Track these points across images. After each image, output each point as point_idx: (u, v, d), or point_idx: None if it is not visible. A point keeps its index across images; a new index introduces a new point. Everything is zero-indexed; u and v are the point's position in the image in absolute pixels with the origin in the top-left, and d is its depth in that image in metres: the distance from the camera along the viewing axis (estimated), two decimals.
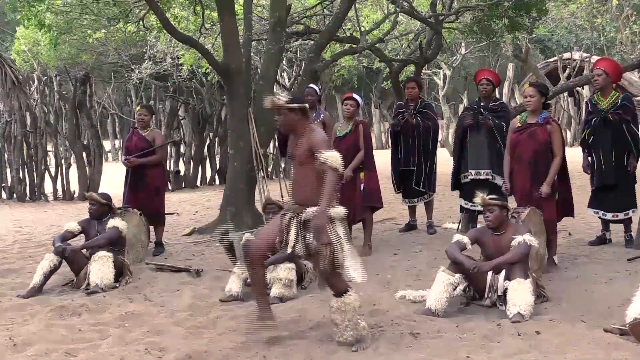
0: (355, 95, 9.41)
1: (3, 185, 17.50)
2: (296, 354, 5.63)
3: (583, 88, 25.36)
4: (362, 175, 9.14)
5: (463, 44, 25.18)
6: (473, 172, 9.47)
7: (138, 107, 10.15)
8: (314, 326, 6.38)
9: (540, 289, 6.85)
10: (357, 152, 9.12)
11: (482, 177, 9.38)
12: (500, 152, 9.08)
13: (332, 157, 5.51)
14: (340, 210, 5.65)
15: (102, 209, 8.48)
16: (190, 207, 15.03)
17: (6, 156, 17.29)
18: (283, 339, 5.84)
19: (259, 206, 10.32)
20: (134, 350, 5.69)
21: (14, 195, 17.19)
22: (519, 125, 7.97)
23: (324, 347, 5.76)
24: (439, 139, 11.11)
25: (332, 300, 5.72)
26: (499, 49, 25.59)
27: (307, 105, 5.90)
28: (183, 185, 19.14)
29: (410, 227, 10.55)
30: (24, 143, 17.02)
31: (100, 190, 12.79)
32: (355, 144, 9.14)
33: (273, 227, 5.92)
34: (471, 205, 9.44)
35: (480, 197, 6.93)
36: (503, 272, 6.59)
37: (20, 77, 17.24)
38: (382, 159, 14.65)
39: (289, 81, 21.67)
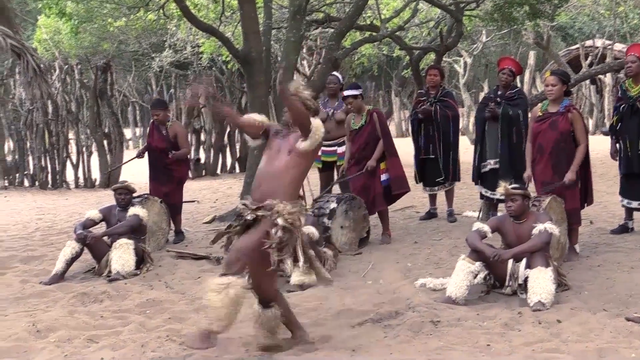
0: (349, 92, 9.21)
1: (25, 172, 17.64)
2: (316, 341, 5.65)
3: (605, 76, 25.15)
4: (382, 165, 9.09)
5: (484, 32, 25.03)
6: (492, 161, 9.42)
7: (156, 102, 10.07)
8: (334, 314, 6.40)
9: (561, 277, 6.82)
10: (376, 142, 9.07)
11: (496, 166, 9.34)
12: (519, 141, 9.06)
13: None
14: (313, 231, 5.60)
15: (130, 197, 8.54)
16: (211, 194, 15.07)
17: (28, 144, 17.42)
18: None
19: None
20: (155, 337, 5.73)
21: (36, 183, 17.32)
22: (540, 114, 7.91)
23: (344, 334, 5.77)
24: (460, 127, 11.06)
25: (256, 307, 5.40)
26: (520, 36, 25.42)
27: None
28: (203, 173, 19.18)
29: (431, 215, 10.52)
30: (46, 131, 17.12)
31: (121, 179, 12.87)
32: (372, 134, 9.07)
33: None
34: (491, 194, 9.41)
35: (503, 186, 6.90)
36: (524, 261, 6.57)
37: (42, 65, 17.31)
38: (402, 147, 14.61)
39: (309, 69, 21.63)
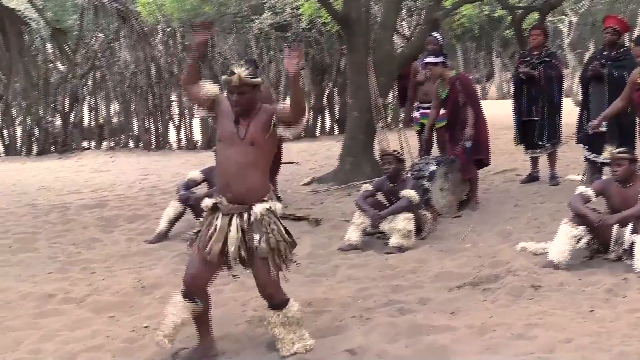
0: (428, 59, 9.05)
1: (130, 134, 18.11)
2: (414, 303, 5.65)
3: None
4: (467, 130, 8.89)
5: None
6: None
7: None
8: (432, 276, 6.39)
9: None
10: (463, 110, 8.89)
11: (603, 129, 9.06)
12: None
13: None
14: (279, 206, 4.86)
15: None
16: (310, 156, 15.15)
17: (133, 106, 17.86)
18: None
19: (378, 156, 10.31)
20: (255, 296, 5.81)
21: (140, 144, 17.76)
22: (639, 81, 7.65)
23: (443, 297, 5.76)
24: (564, 88, 10.77)
25: (270, 314, 4.87)
26: None
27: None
28: (302, 135, 19.27)
29: (532, 178, 10.32)
30: (149, 93, 17.50)
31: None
32: (458, 103, 8.89)
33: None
34: (594, 157, 9.17)
35: (608, 150, 6.72)
36: (630, 225, 6.38)
37: (146, 29, 17.63)
38: (504, 109, 14.35)
39: (408, 30, 21.40)
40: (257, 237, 4.69)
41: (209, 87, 4.90)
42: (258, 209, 4.71)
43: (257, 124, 4.73)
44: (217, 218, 4.78)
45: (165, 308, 4.88)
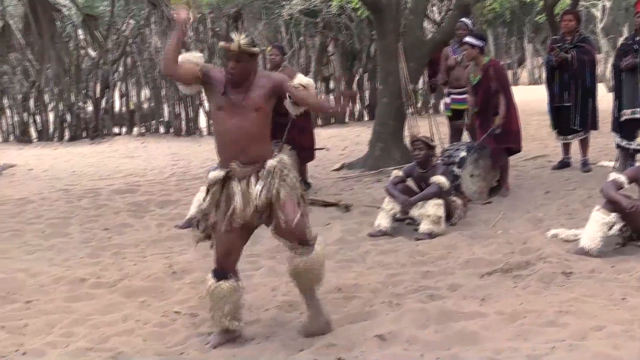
0: (469, 39, 8.93)
1: (161, 120, 18.21)
2: (444, 289, 5.64)
3: None
4: (496, 120, 8.78)
5: None
6: (628, 111, 9.04)
7: (269, 48, 10.06)
8: (462, 263, 6.36)
9: None
10: (495, 96, 8.79)
11: (637, 116, 8.97)
12: None
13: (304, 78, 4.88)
14: (288, 158, 4.90)
15: None
16: (340, 142, 15.13)
17: (163, 92, 17.94)
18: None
19: (408, 142, 10.27)
20: (285, 282, 5.84)
21: (171, 130, 17.86)
22: None
23: (473, 283, 5.74)
24: (597, 73, 10.62)
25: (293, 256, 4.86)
26: None
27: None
28: (332, 121, 19.27)
29: (564, 164, 10.23)
30: None
31: None
32: (490, 90, 8.78)
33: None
34: (627, 143, 9.07)
35: None
36: None
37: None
38: (535, 95, 14.23)
39: (439, 15, 21.25)
40: (258, 187, 4.72)
41: (190, 58, 4.85)
42: (271, 161, 4.76)
43: (258, 91, 4.72)
44: (232, 188, 4.79)
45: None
